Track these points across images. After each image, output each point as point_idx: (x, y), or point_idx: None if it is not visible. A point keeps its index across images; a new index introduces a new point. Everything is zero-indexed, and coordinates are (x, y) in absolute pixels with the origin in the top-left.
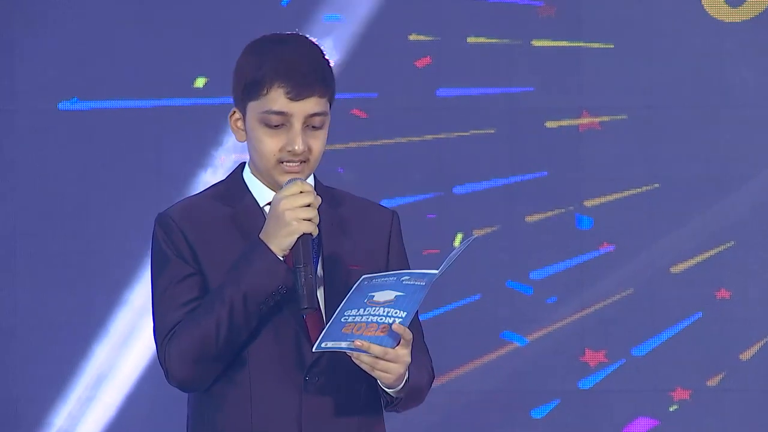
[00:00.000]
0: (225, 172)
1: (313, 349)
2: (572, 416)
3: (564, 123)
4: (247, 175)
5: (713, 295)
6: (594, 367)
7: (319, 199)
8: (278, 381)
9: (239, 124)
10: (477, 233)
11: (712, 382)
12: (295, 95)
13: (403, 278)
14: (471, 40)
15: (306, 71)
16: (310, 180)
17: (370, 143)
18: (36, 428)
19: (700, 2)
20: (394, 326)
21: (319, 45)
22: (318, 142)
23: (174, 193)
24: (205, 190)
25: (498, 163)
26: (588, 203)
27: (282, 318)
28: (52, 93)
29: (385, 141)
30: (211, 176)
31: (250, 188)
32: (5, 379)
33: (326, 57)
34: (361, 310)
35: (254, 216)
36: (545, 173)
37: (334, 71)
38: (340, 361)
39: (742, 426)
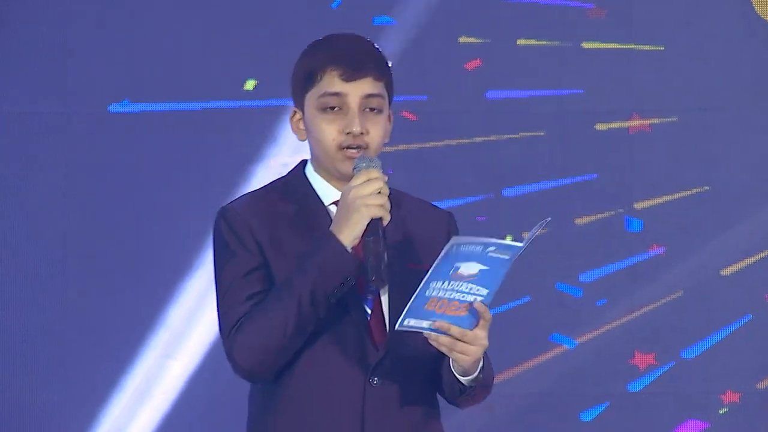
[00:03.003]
0: (275, 174)
1: (396, 327)
2: (621, 419)
3: (614, 125)
4: (310, 173)
5: (763, 297)
6: (643, 370)
7: (387, 189)
8: (341, 382)
9: (300, 124)
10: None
11: (762, 385)
12: (349, 76)
13: (489, 248)
14: (521, 42)
15: (358, 54)
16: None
17: (419, 146)
18: (85, 430)
19: (751, 3)
20: (475, 304)
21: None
22: (377, 127)
23: (224, 197)
24: (265, 185)
25: (547, 165)
26: (638, 205)
27: (346, 319)
28: (102, 95)
29: (435, 143)
30: (261, 179)
31: (313, 186)
32: (55, 382)
33: (382, 52)
34: (446, 283)
35: (319, 214)
36: (595, 175)
37: None
38: (404, 362)
39: None
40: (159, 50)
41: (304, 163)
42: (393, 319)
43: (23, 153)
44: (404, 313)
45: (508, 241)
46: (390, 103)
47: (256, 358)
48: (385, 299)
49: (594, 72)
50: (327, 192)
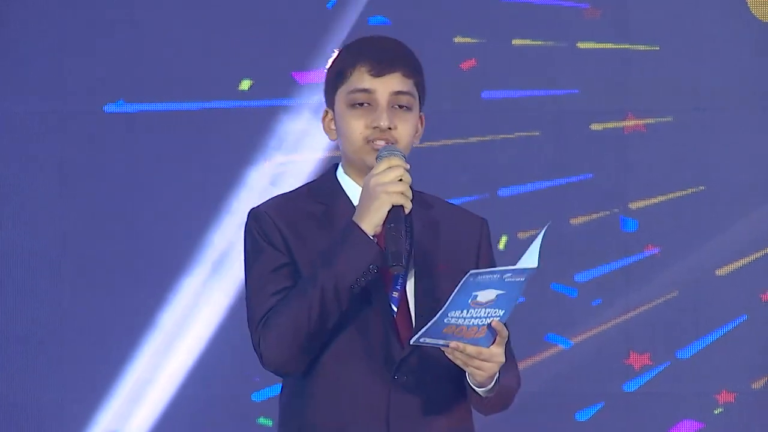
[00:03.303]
0: (272, 174)
1: (410, 342)
2: (616, 419)
3: (609, 125)
4: (341, 175)
5: (758, 297)
6: (638, 370)
7: (409, 178)
8: (367, 378)
9: (331, 124)
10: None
11: (757, 385)
12: (377, 72)
13: (506, 276)
14: (516, 42)
15: (387, 51)
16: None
17: (415, 146)
18: (82, 429)
19: (746, 3)
20: (492, 323)
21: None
22: (405, 124)
23: (220, 197)
24: (297, 188)
25: (543, 165)
26: (633, 205)
27: (372, 316)
28: (98, 95)
29: (431, 143)
30: (257, 179)
31: (344, 187)
32: (52, 381)
33: (414, 53)
34: (464, 311)
35: (348, 214)
36: (590, 175)
37: None
38: (429, 359)
39: None
40: (154, 50)
41: (335, 165)
42: (419, 317)
43: (21, 153)
44: (420, 333)
45: (521, 266)
46: (422, 105)
47: (282, 350)
48: (411, 296)
49: (589, 72)
50: (356, 192)
